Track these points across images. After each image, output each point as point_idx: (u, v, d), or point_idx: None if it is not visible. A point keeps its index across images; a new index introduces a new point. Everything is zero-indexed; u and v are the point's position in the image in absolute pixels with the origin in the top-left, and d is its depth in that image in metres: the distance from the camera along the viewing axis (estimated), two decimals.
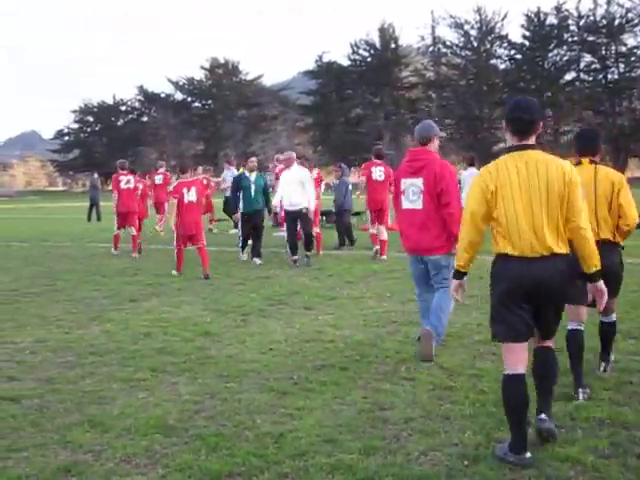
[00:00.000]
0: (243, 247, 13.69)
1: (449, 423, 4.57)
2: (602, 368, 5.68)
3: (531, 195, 4.02)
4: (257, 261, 13.03)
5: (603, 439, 4.25)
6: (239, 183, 13.44)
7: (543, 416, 4.28)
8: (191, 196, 11.71)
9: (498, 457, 4.05)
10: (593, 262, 4.10)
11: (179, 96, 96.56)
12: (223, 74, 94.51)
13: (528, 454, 3.99)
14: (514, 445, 4.03)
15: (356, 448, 4.15)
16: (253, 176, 13.36)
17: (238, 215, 13.39)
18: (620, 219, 5.30)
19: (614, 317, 5.76)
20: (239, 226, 13.72)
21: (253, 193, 13.17)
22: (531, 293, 4.03)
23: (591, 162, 5.51)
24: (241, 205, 13.37)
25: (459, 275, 4.44)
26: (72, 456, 4.20)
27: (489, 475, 3.79)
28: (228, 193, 17.76)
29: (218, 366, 6.01)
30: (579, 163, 5.53)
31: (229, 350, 6.57)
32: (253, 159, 13.98)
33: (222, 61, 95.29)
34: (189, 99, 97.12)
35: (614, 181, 5.35)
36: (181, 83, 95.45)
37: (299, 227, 13.09)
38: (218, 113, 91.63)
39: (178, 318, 8.09)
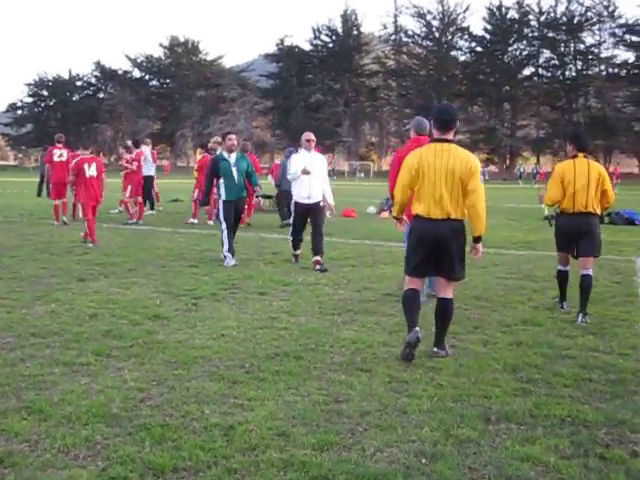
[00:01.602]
0: (230, 248, 10.70)
1: (406, 418, 4.40)
2: (579, 319, 7.18)
3: (440, 175, 5.62)
4: (231, 261, 10.56)
5: (564, 438, 4.13)
6: (216, 166, 10.91)
7: (435, 349, 5.92)
8: (92, 171, 13.11)
9: (407, 341, 5.69)
10: (478, 229, 5.78)
11: (137, 73, 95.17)
12: (183, 53, 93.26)
13: (417, 328, 5.69)
14: (408, 327, 5.76)
15: (310, 443, 3.95)
16: (233, 157, 10.95)
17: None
18: (603, 198, 7.52)
19: (592, 272, 7.55)
20: (221, 218, 10.89)
21: (236, 178, 10.83)
22: (432, 244, 5.70)
23: (585, 157, 7.56)
24: (222, 192, 10.81)
25: (398, 219, 6.32)
26: (6, 446, 3.91)
27: (448, 474, 3.63)
28: None
29: (166, 352, 5.75)
30: (575, 157, 7.53)
31: (179, 335, 6.32)
32: (232, 137, 11.12)
33: (182, 40, 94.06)
34: (147, 77, 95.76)
35: (600, 172, 7.52)
36: (139, 60, 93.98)
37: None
38: (176, 92, 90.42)
39: (127, 300, 7.79)
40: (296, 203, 10.95)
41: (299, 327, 6.68)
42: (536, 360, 5.71)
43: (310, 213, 10.82)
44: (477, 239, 5.84)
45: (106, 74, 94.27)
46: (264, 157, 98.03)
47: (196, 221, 17.08)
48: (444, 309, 5.94)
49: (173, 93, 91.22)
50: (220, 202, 10.94)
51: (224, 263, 10.48)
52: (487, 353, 5.92)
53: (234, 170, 10.84)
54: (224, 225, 10.74)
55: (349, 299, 8.07)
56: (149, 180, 19.16)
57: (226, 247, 10.63)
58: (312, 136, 10.95)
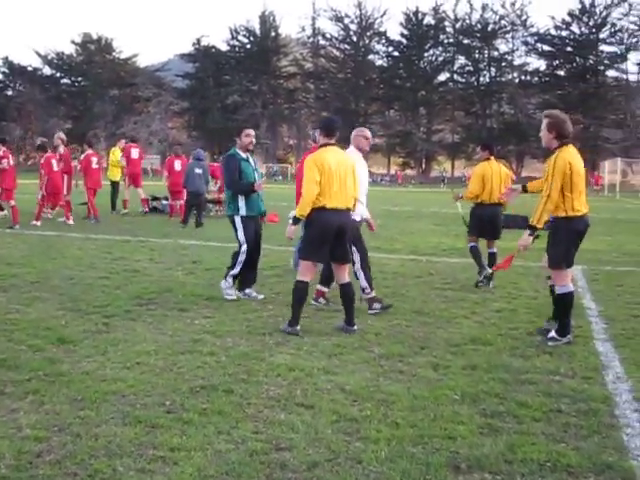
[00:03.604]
0: (238, 275, 8.34)
1: (362, 470, 3.68)
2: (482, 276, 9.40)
3: (339, 172, 6.67)
4: (254, 294, 8.40)
5: None
6: (237, 168, 8.28)
7: (354, 327, 6.75)
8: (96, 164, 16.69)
9: (282, 330, 6.57)
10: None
11: (47, 71, 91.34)
12: (95, 51, 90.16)
13: (299, 327, 6.59)
14: (292, 322, 6.59)
15: None
16: (252, 159, 8.70)
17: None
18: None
19: (495, 249, 9.92)
20: (241, 239, 8.24)
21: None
22: (336, 233, 6.64)
23: (495, 160, 9.89)
24: (241, 204, 8.20)
25: (298, 221, 6.80)
26: None
27: None
28: None
29: (72, 386, 4.85)
30: (488, 159, 9.84)
31: (86, 364, 5.41)
32: (250, 132, 8.60)
33: (95, 37, 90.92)
34: (58, 74, 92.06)
35: (506, 172, 9.87)
36: (50, 57, 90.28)
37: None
38: (89, 91, 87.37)
39: (27, 320, 6.79)
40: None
41: (226, 351, 5.88)
42: (495, 387, 5.09)
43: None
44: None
45: (14, 71, 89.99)
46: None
47: (39, 223, 15.92)
48: (349, 292, 6.86)
49: (85, 92, 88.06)
50: (237, 219, 8.21)
51: (223, 285, 8.26)
52: (440, 380, 5.27)
53: (257, 176, 8.56)
54: (244, 248, 8.18)
55: (279, 316, 7.29)
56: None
57: (235, 271, 8.24)
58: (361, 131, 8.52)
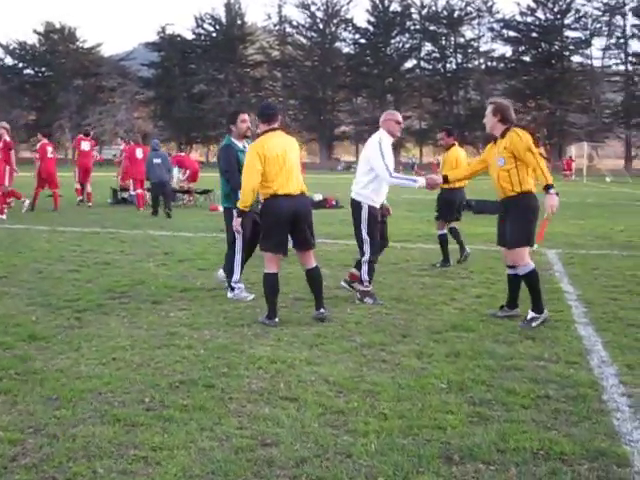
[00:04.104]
0: (241, 276, 7.79)
1: (352, 464, 3.56)
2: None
3: (285, 157, 6.45)
4: (244, 294, 7.67)
5: (544, 479, 3.43)
6: (235, 159, 7.64)
7: (322, 310, 6.62)
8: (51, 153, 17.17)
9: (260, 322, 6.41)
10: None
11: (9, 61, 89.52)
12: (59, 40, 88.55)
13: (277, 319, 6.45)
14: (269, 315, 6.46)
15: None
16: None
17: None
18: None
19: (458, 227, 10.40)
20: (236, 235, 7.49)
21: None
22: (293, 219, 6.46)
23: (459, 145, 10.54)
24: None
25: (243, 213, 6.71)
26: None
27: None
28: None
29: (46, 385, 4.66)
30: (453, 145, 10.41)
31: (60, 361, 5.21)
32: (246, 117, 7.87)
33: (58, 26, 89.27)
34: (20, 65, 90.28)
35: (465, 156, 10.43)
36: (12, 47, 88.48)
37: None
38: (52, 81, 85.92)
39: None
40: (370, 211, 7.55)
41: (204, 344, 5.71)
42: (481, 375, 5.00)
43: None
44: None
45: None
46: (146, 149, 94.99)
47: (4, 217, 15.61)
48: (316, 276, 6.72)
49: (49, 82, 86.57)
50: (235, 213, 7.17)
51: (231, 296, 7.61)
52: (425, 368, 5.17)
53: None
54: (239, 245, 7.64)
55: (257, 306, 7.13)
56: None
57: (237, 276, 7.69)
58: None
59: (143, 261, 10.02)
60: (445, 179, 7.33)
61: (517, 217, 6.52)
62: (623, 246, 12.19)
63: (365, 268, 7.57)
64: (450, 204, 10.16)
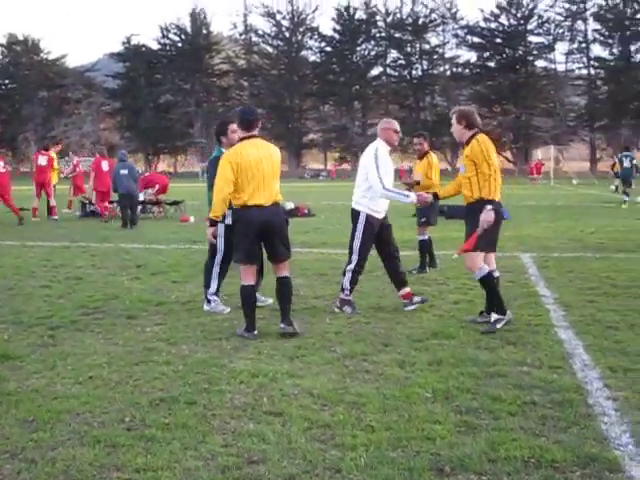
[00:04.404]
0: (219, 289, 7.65)
1: None
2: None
3: (260, 166, 6.23)
4: (220, 307, 7.51)
5: None
6: None
7: (282, 325, 6.37)
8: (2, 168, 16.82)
9: (238, 335, 6.30)
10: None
11: None
12: (22, 52, 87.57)
13: (256, 332, 6.32)
14: (248, 328, 6.33)
15: None
16: None
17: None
18: None
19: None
20: (219, 247, 7.39)
21: None
22: (263, 229, 6.28)
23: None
24: (227, 213, 6.81)
25: (215, 222, 6.64)
26: None
27: None
28: None
29: (21, 406, 4.51)
30: (428, 152, 10.30)
31: (35, 381, 5.06)
32: (234, 127, 7.25)
33: (21, 38, 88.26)
34: None
35: None
36: None
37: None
38: (17, 94, 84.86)
39: None
40: (368, 220, 7.45)
41: (183, 359, 5.60)
42: (466, 382, 4.96)
43: (381, 230, 7.63)
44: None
45: None
46: (113, 160, 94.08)
47: None
48: (285, 286, 6.49)
49: (13, 94, 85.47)
50: (221, 227, 7.18)
51: (208, 309, 7.46)
52: (408, 378, 5.11)
53: None
54: (219, 257, 7.44)
55: (234, 319, 7.02)
56: None
57: (214, 288, 7.53)
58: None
59: (116, 275, 9.85)
60: (435, 196, 7.42)
61: (474, 224, 6.47)
62: (595, 248, 12.29)
63: (349, 276, 7.49)
64: (434, 209, 10.05)
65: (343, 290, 7.49)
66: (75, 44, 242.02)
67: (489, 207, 6.34)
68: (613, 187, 33.49)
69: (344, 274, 7.58)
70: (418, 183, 9.78)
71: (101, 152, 20.98)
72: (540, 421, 4.24)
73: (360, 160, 7.68)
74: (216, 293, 7.56)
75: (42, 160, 19.75)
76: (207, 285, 7.57)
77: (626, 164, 24.10)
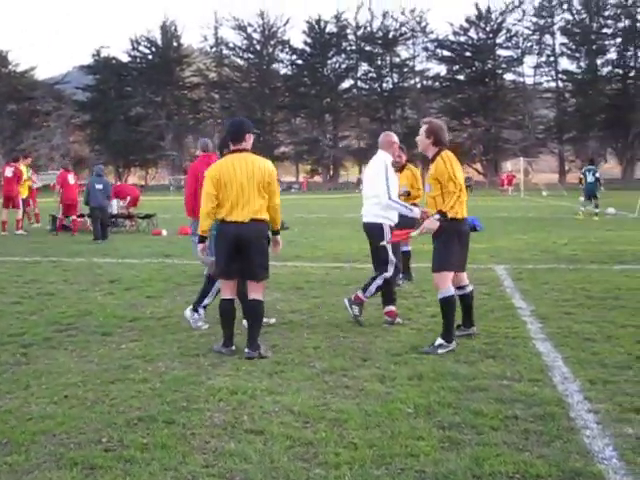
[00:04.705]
0: (213, 299, 7.49)
1: None
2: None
3: (242, 181, 6.10)
4: (200, 323, 7.38)
5: None
6: None
7: (247, 350, 6.09)
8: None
9: (215, 350, 6.24)
10: (277, 224, 6.50)
11: None
12: None
13: (233, 347, 6.25)
14: (225, 342, 6.28)
15: None
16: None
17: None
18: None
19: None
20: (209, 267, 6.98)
21: None
22: (237, 246, 6.11)
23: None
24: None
25: (203, 238, 6.36)
26: None
27: None
28: None
29: None
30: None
31: (9, 401, 4.93)
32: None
33: None
34: None
35: None
36: None
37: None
38: None
39: None
40: (390, 229, 7.58)
41: (160, 377, 5.50)
42: (447, 397, 4.93)
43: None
44: (277, 232, 6.56)
45: None
46: (83, 173, 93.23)
47: None
48: (253, 309, 6.28)
49: None
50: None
51: (189, 315, 7.39)
52: (389, 393, 5.07)
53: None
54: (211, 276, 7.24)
55: (211, 334, 6.94)
56: None
57: (208, 300, 7.47)
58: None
59: (89, 290, 9.70)
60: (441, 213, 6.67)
61: (440, 242, 6.43)
62: (569, 260, 12.38)
63: (379, 283, 7.54)
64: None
65: (365, 291, 7.51)
66: (44, 56, 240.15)
67: (437, 216, 6.31)
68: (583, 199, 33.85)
69: (375, 278, 7.59)
70: (408, 194, 9.67)
71: (65, 166, 21.18)
72: (523, 435, 4.23)
73: (366, 173, 7.77)
74: (205, 307, 7.45)
75: (8, 172, 19.58)
76: (203, 295, 7.46)
77: (589, 179, 23.75)
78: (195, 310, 7.42)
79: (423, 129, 6.60)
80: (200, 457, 3.93)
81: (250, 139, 6.31)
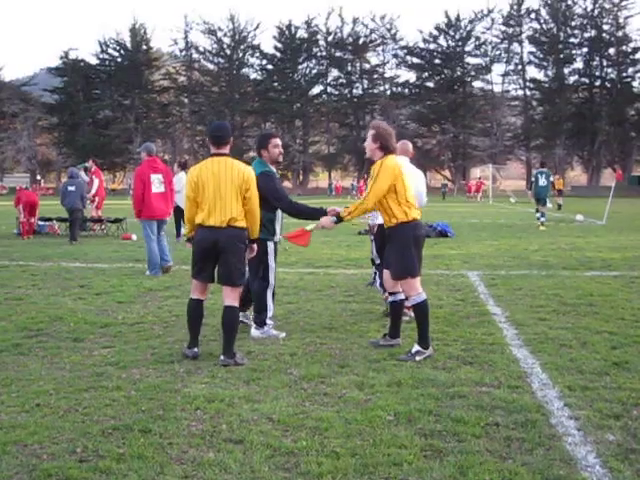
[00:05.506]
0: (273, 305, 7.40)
1: None
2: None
3: (220, 186, 6.03)
4: (274, 332, 7.11)
5: None
6: (279, 185, 7.24)
7: (222, 357, 5.98)
8: None
9: (183, 353, 6.24)
10: (255, 231, 6.32)
11: None
12: None
13: (196, 349, 6.21)
14: (190, 344, 6.25)
15: None
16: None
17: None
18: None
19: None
20: (271, 265, 7.12)
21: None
22: (212, 251, 6.06)
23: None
24: (275, 227, 7.18)
25: (190, 240, 6.41)
26: None
27: None
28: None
29: None
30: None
31: None
32: (279, 142, 7.24)
33: None
34: None
35: None
36: None
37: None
38: None
39: None
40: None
41: (135, 385, 5.38)
42: (427, 404, 4.88)
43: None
44: (253, 241, 6.40)
45: None
46: (50, 176, 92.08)
47: None
48: (228, 316, 6.12)
49: None
50: (271, 245, 7.09)
51: (258, 334, 7.05)
52: (369, 400, 5.01)
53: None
54: (272, 277, 7.16)
55: (185, 340, 6.80)
56: None
57: (270, 312, 7.20)
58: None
59: (58, 295, 9.51)
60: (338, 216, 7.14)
61: (396, 248, 6.31)
62: (541, 266, 12.45)
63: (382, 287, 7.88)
64: None
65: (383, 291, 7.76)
66: (11, 57, 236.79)
67: (333, 219, 6.59)
68: (550, 205, 34.13)
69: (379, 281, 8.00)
70: None
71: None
72: (505, 443, 4.20)
73: (417, 181, 7.94)
74: (272, 316, 7.24)
75: None
76: (262, 309, 7.13)
77: (541, 182, 22.37)
78: (261, 325, 7.12)
79: (370, 134, 6.43)
80: (179, 467, 3.83)
81: (230, 142, 6.29)
